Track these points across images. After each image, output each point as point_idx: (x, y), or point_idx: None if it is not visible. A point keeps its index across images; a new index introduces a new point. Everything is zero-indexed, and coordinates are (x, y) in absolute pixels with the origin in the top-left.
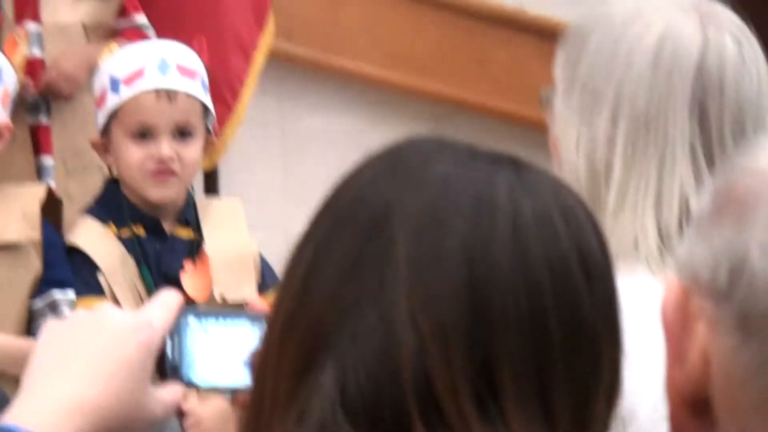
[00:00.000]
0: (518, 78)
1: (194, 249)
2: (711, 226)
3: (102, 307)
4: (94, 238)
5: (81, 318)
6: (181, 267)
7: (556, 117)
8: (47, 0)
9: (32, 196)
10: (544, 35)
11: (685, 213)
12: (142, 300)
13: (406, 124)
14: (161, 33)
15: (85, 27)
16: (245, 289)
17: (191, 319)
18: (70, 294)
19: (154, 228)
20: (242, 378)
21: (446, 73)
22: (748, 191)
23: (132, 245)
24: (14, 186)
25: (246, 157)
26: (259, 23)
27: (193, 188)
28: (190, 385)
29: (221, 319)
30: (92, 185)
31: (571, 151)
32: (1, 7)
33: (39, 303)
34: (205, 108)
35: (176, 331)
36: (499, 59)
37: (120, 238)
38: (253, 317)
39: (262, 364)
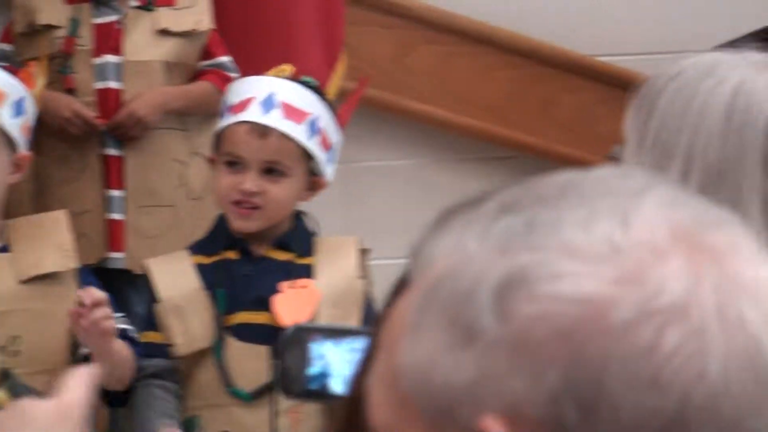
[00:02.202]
0: (583, 124)
1: (293, 271)
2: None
3: (20, 405)
4: (171, 272)
5: (2, 420)
6: (274, 288)
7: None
8: (131, 35)
9: (60, 224)
10: (610, 83)
11: None
12: (213, 322)
13: (467, 165)
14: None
15: (167, 65)
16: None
17: (314, 334)
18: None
19: (244, 251)
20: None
21: (512, 117)
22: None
23: (214, 270)
24: (36, 216)
25: None
26: (330, 63)
27: (318, 224)
28: (313, 394)
29: (341, 336)
30: (161, 222)
31: None
32: (78, 36)
33: None
34: (308, 151)
35: (297, 344)
36: (565, 105)
37: (202, 266)
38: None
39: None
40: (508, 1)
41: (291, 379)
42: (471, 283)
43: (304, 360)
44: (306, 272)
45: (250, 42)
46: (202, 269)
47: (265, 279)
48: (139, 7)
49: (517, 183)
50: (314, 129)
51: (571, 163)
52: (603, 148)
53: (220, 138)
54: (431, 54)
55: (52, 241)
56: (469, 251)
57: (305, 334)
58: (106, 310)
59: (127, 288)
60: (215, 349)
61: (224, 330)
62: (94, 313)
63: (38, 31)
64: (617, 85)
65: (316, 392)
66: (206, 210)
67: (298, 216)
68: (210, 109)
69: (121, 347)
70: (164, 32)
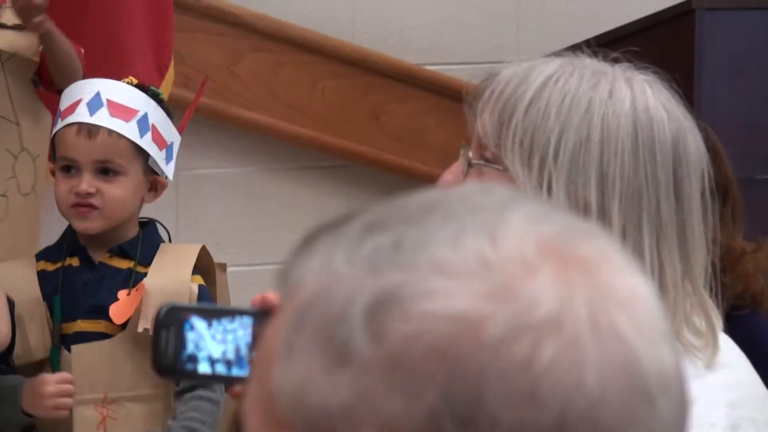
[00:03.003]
0: (412, 133)
1: (133, 279)
2: None
3: None
4: (14, 277)
5: None
6: (113, 295)
7: (498, 176)
8: None
9: None
10: (439, 92)
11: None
12: (49, 330)
13: (299, 173)
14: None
15: (2, 53)
16: None
17: (190, 317)
18: None
19: (85, 258)
20: (239, 370)
21: (342, 126)
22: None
23: (54, 277)
24: None
25: None
26: (161, 71)
27: (168, 231)
28: (186, 374)
29: (217, 316)
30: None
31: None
32: None
33: None
34: (143, 149)
35: (171, 324)
36: (395, 114)
37: (46, 273)
38: (251, 313)
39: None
40: (338, 9)
41: (164, 357)
42: (342, 304)
43: (178, 339)
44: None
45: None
46: (45, 276)
47: (104, 286)
48: None
49: (381, 202)
50: (144, 126)
51: (402, 172)
52: (433, 157)
53: (53, 145)
54: (260, 62)
55: None
56: (338, 272)
57: (180, 313)
58: None
59: None
60: (51, 360)
61: (61, 339)
62: None
63: None
64: (446, 95)
65: (187, 372)
66: (34, 209)
67: (147, 224)
68: (75, 66)
69: None
70: None
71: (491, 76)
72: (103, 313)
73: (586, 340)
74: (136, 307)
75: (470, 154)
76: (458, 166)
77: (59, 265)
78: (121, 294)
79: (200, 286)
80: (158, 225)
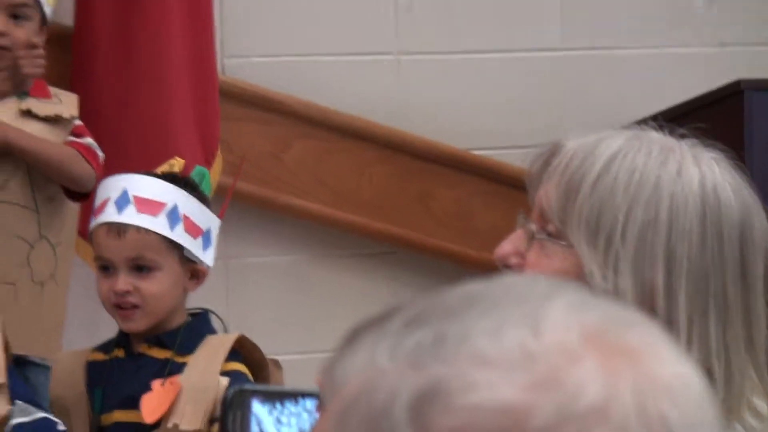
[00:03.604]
0: (460, 218)
1: (168, 369)
2: None
3: None
4: (62, 370)
5: None
6: (146, 386)
7: (562, 252)
8: None
9: None
10: (487, 176)
11: None
12: (89, 421)
13: (347, 260)
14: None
15: None
16: (195, 422)
17: (254, 400)
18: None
19: (128, 348)
20: None
21: (389, 212)
22: None
23: (102, 367)
24: None
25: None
26: (208, 160)
27: (222, 321)
28: None
29: (281, 399)
30: (3, 299)
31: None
32: None
33: None
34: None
35: (238, 407)
36: (442, 198)
37: (96, 363)
38: (315, 395)
39: None
40: (384, 95)
41: None
42: (386, 400)
43: (244, 422)
44: (182, 370)
45: (126, 144)
46: (95, 366)
47: (140, 376)
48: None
49: (422, 296)
50: (175, 218)
51: (450, 257)
52: (481, 242)
53: (92, 243)
54: (308, 149)
55: None
56: (381, 368)
57: (246, 396)
58: None
59: None
60: None
61: (99, 431)
62: None
63: None
64: (494, 179)
65: None
66: (52, 297)
67: (198, 315)
68: (66, 169)
69: None
70: (27, 113)
71: (556, 147)
72: (136, 403)
73: (633, 428)
74: (170, 401)
75: (533, 227)
76: (518, 237)
77: (109, 356)
78: (155, 384)
79: (234, 375)
80: (213, 315)
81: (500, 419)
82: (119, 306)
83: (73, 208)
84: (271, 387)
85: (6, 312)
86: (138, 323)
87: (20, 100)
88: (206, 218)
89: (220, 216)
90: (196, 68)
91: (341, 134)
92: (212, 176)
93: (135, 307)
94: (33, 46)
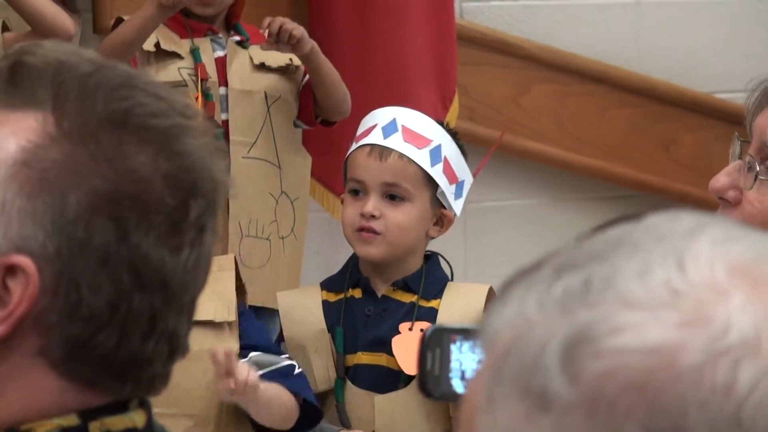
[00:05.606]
0: (702, 162)
1: (415, 313)
2: None
3: None
4: (300, 307)
5: None
6: (395, 329)
7: None
8: (232, 68)
9: (227, 279)
10: (729, 120)
11: None
12: (333, 362)
13: (586, 204)
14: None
15: (267, 96)
16: None
17: (454, 339)
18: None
19: (368, 289)
20: None
21: (631, 156)
22: None
23: (336, 308)
24: None
25: None
26: (445, 104)
27: (450, 266)
28: (450, 395)
29: (473, 337)
30: (263, 254)
31: None
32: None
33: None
34: (432, 179)
35: (437, 345)
36: (684, 143)
37: (328, 303)
38: None
39: None
40: (622, 39)
41: (432, 380)
42: (536, 350)
43: (444, 361)
44: (430, 315)
45: (364, 87)
46: (327, 306)
47: (386, 319)
48: (237, 43)
49: (570, 244)
50: (437, 156)
51: (692, 200)
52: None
53: (345, 168)
54: (547, 93)
55: (216, 287)
56: (531, 318)
57: (446, 334)
58: (242, 369)
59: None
60: (336, 392)
61: (345, 372)
62: (236, 375)
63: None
64: (735, 122)
65: (452, 393)
66: (292, 252)
67: (429, 258)
68: (342, 91)
69: (268, 391)
70: (262, 66)
71: None
72: (384, 346)
73: None
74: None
75: (758, 167)
76: (734, 169)
77: (341, 296)
78: (403, 327)
79: None
80: (441, 259)
81: (649, 360)
82: (362, 229)
83: (305, 164)
84: (471, 326)
85: (261, 266)
86: (375, 249)
87: (244, 50)
88: (463, 169)
89: (474, 173)
90: (434, 12)
91: (580, 77)
92: (449, 120)
93: (376, 234)
94: None
